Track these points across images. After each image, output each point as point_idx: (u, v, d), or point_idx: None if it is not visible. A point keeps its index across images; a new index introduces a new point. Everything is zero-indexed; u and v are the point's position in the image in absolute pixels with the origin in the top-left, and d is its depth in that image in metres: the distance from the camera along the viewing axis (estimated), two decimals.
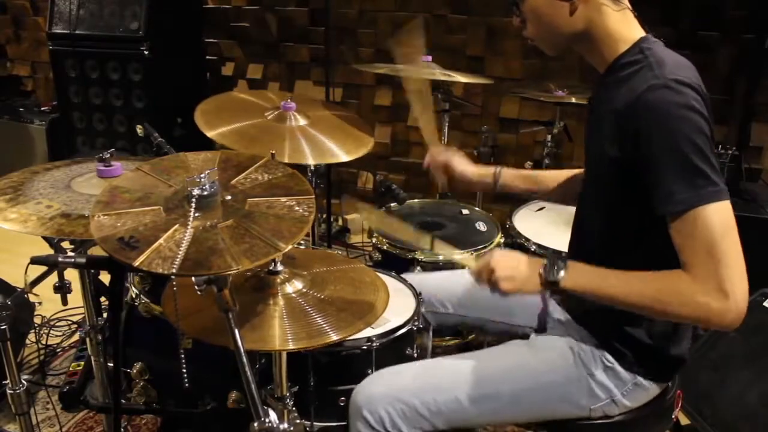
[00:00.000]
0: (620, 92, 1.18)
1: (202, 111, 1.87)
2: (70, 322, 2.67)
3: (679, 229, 1.10)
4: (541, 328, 1.52)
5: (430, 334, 1.69)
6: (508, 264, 1.24)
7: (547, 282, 1.20)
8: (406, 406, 1.28)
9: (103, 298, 1.89)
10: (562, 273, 1.18)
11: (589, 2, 1.21)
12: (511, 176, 1.63)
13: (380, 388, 1.31)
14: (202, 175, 1.10)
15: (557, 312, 1.47)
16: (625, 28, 1.23)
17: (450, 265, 2.03)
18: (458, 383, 1.31)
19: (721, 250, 1.06)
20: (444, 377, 1.33)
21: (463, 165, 1.64)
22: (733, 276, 1.06)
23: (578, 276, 1.19)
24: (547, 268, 1.20)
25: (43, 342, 2.52)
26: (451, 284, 1.67)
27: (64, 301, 1.48)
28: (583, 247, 1.40)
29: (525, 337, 1.45)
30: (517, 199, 2.40)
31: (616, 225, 1.27)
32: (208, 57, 3.87)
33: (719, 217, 1.07)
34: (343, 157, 1.90)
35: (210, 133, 1.78)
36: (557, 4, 1.22)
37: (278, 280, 1.30)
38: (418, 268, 2.00)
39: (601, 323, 1.31)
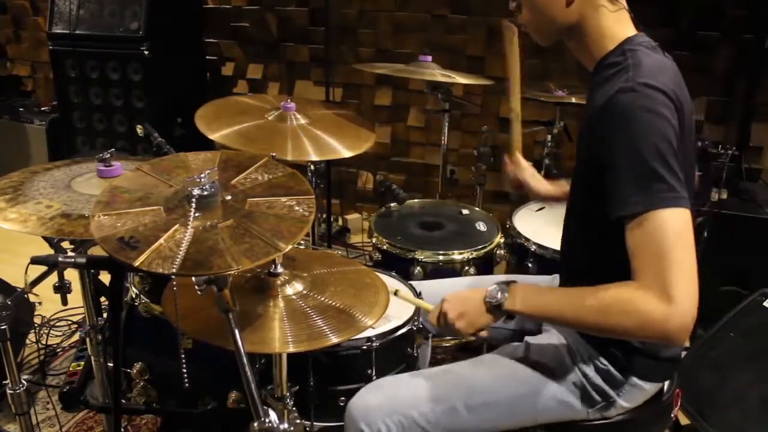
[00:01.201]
0: (598, 94, 1.18)
1: (202, 116, 1.89)
2: (70, 322, 2.67)
3: (632, 233, 1.07)
4: (539, 331, 1.52)
5: (430, 342, 1.69)
6: (457, 304, 1.27)
7: (492, 307, 1.21)
8: (404, 418, 1.27)
9: (103, 298, 1.89)
10: (504, 295, 1.20)
11: None
12: None
13: (377, 400, 1.30)
14: (202, 175, 1.10)
15: None
16: (617, 28, 1.23)
17: (450, 266, 2.03)
18: (455, 393, 1.30)
19: (672, 255, 1.02)
20: (440, 387, 1.32)
21: (536, 185, 1.75)
22: (680, 282, 1.02)
23: (521, 296, 1.19)
24: (490, 293, 1.21)
25: (43, 342, 2.52)
26: (451, 293, 1.66)
27: (64, 301, 1.48)
28: (568, 251, 1.41)
29: (521, 339, 1.45)
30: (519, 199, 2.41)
31: (593, 226, 1.25)
32: (208, 57, 3.87)
33: (674, 222, 1.04)
34: (345, 152, 1.90)
35: (212, 136, 1.80)
36: None
37: (278, 282, 1.30)
38: (418, 269, 2.00)
39: None
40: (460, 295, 1.29)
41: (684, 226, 1.05)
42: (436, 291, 1.67)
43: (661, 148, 1.06)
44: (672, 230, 1.04)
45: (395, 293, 1.46)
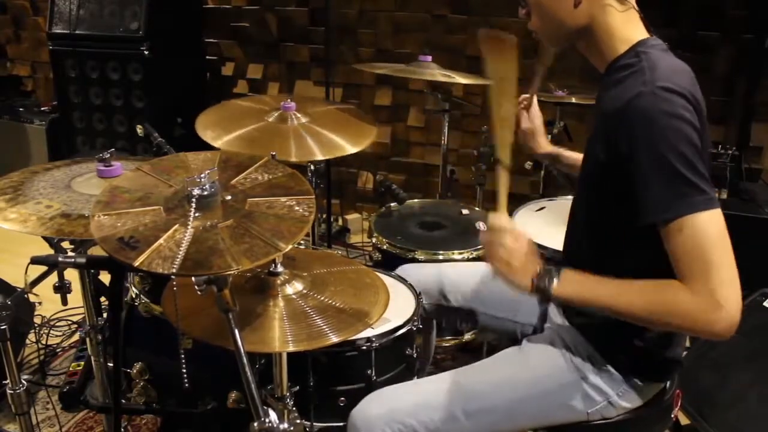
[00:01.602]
0: (612, 95, 1.18)
1: (203, 123, 1.89)
2: (70, 322, 2.66)
3: (669, 239, 1.09)
4: (541, 327, 1.52)
5: (434, 333, 1.68)
6: (514, 255, 1.20)
7: (538, 289, 1.19)
8: (404, 426, 1.28)
9: (103, 298, 1.89)
10: (554, 282, 1.17)
11: None
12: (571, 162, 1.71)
13: (377, 409, 1.31)
14: (202, 175, 1.10)
15: (555, 314, 1.47)
16: (628, 29, 1.22)
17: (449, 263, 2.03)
18: (453, 400, 1.30)
19: (714, 259, 1.05)
20: (439, 395, 1.32)
21: (536, 141, 1.75)
22: (726, 285, 1.04)
23: (569, 286, 1.18)
24: (541, 274, 1.19)
25: (43, 342, 2.51)
26: (456, 276, 1.67)
27: (64, 301, 1.48)
28: (574, 248, 1.41)
29: (521, 339, 1.45)
30: (518, 200, 2.40)
31: (604, 228, 1.26)
32: (208, 57, 3.87)
33: (710, 225, 1.06)
34: (349, 148, 1.90)
35: (217, 143, 1.80)
36: None
37: (278, 282, 1.30)
38: None
39: (596, 327, 1.31)
40: (521, 251, 1.20)
41: (720, 226, 1.07)
42: (438, 276, 1.67)
43: (686, 152, 1.07)
44: (711, 233, 1.06)
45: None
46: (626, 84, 1.15)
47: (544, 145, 1.75)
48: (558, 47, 1.32)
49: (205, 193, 1.10)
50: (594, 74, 1.32)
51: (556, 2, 1.22)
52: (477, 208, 2.41)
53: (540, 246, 2.01)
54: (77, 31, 3.42)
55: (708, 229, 1.06)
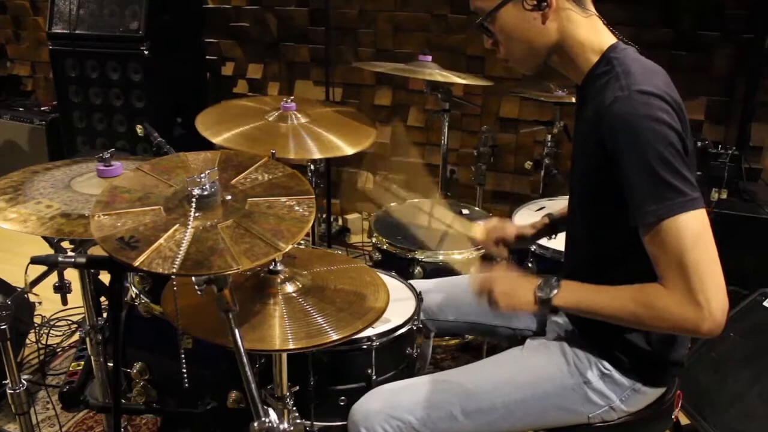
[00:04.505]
0: (592, 104, 1.19)
1: (203, 121, 1.89)
2: (70, 322, 2.67)
3: (650, 242, 1.10)
4: (540, 332, 1.52)
5: (431, 342, 1.69)
6: (507, 281, 1.27)
7: (541, 300, 1.22)
8: (402, 423, 1.28)
9: (103, 298, 1.89)
10: (554, 291, 1.21)
11: (557, 10, 1.20)
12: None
13: (377, 405, 1.31)
14: (202, 175, 1.10)
15: (558, 316, 1.46)
16: (596, 37, 1.23)
17: (450, 268, 2.03)
18: (452, 398, 1.31)
19: (692, 260, 1.06)
20: (438, 393, 1.32)
21: (518, 230, 1.66)
22: (705, 286, 1.05)
23: (569, 294, 1.21)
24: (541, 286, 1.23)
25: (43, 342, 2.52)
26: (451, 291, 1.66)
27: (64, 301, 1.48)
28: (574, 258, 1.41)
29: (522, 341, 1.45)
30: (518, 199, 2.40)
31: (600, 236, 1.27)
32: (208, 57, 3.86)
33: (689, 227, 1.07)
34: (347, 149, 1.90)
35: (215, 140, 1.80)
36: (528, 16, 1.21)
37: (278, 280, 1.30)
38: (418, 269, 2.00)
39: (600, 330, 1.31)
40: (512, 276, 1.30)
41: (699, 226, 1.08)
42: (434, 293, 1.67)
43: (666, 154, 1.07)
44: (688, 235, 1.06)
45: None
46: (604, 92, 1.16)
47: (530, 229, 1.67)
48: (533, 70, 1.31)
49: (205, 193, 1.10)
50: None
51: (524, 26, 1.22)
52: (477, 208, 2.41)
53: (540, 246, 2.03)
54: (77, 31, 3.41)
55: (685, 232, 1.06)
